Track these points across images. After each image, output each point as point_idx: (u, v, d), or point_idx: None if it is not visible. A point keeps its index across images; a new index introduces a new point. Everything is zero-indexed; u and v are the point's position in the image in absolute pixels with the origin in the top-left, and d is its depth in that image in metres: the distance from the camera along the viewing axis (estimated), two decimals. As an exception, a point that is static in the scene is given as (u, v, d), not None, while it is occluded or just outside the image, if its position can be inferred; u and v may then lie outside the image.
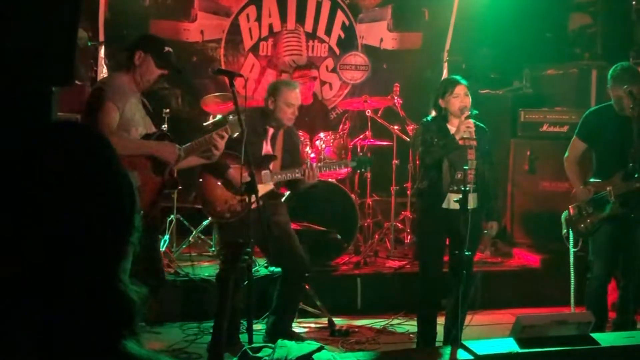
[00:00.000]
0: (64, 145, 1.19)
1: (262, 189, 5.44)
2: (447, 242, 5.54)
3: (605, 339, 4.49)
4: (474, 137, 5.34)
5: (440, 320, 5.62)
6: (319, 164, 5.96)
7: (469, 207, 5.13)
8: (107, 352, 1.16)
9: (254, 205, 4.99)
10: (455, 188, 5.31)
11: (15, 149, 1.18)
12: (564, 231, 5.91)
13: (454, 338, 5.25)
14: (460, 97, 5.40)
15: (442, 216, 5.39)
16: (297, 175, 5.67)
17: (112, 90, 4.70)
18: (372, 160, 6.62)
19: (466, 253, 5.06)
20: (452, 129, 5.41)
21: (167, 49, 4.94)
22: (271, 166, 5.68)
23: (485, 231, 5.46)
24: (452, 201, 5.26)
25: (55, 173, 1.15)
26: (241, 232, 4.97)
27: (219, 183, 5.58)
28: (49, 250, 1.13)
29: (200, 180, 5.61)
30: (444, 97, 5.46)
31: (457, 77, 5.56)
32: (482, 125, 5.54)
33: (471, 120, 5.33)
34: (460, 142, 5.31)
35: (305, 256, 5.77)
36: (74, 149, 1.20)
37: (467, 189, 5.05)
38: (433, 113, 5.59)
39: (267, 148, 5.74)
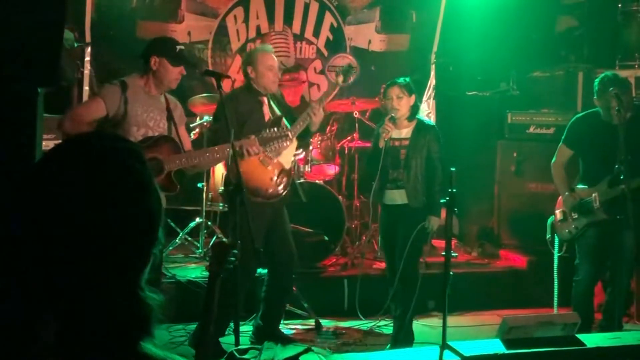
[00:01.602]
0: (105, 162, 1.23)
1: (290, 148, 5.62)
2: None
3: (591, 339, 4.52)
4: (407, 136, 5.66)
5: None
6: (320, 97, 5.97)
7: (396, 204, 5.62)
8: (126, 352, 1.22)
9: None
10: (389, 186, 5.68)
11: (50, 161, 1.23)
12: (549, 236, 5.95)
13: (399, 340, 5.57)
14: (392, 100, 5.66)
15: (385, 212, 5.82)
16: (307, 120, 5.64)
17: (105, 90, 4.89)
18: (352, 66, 6.58)
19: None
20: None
21: (179, 47, 5.04)
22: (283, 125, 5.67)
23: (425, 225, 5.51)
24: (389, 197, 5.69)
25: (94, 187, 1.20)
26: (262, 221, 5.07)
27: (252, 165, 5.46)
28: (79, 256, 1.18)
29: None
30: (383, 101, 5.88)
31: (395, 79, 5.76)
32: (428, 123, 5.89)
33: (389, 123, 5.59)
34: (394, 144, 5.66)
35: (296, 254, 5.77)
36: (114, 166, 1.24)
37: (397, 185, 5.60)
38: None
39: (267, 114, 5.70)
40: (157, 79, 4.94)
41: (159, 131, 4.96)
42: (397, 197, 5.66)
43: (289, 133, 5.35)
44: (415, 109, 5.72)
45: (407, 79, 5.72)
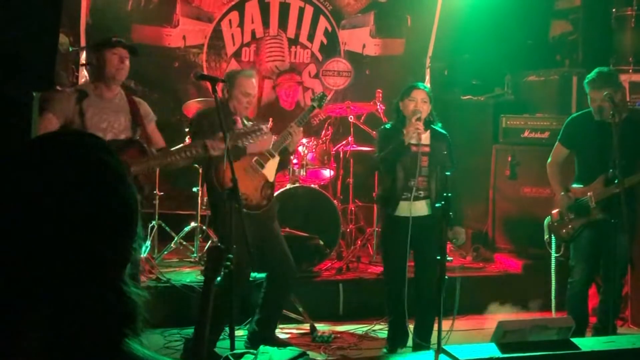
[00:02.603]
0: (76, 155, 1.24)
1: (273, 162, 5.63)
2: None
3: (586, 343, 4.52)
4: (427, 143, 5.42)
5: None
6: (299, 118, 5.91)
7: (418, 215, 5.31)
8: (111, 351, 1.21)
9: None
10: (407, 195, 5.37)
11: (22, 157, 1.22)
12: (546, 237, 5.95)
13: (417, 344, 5.45)
14: (416, 102, 5.44)
15: (399, 223, 5.42)
16: (288, 138, 5.65)
17: (52, 102, 4.86)
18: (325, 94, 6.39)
19: (437, 258, 5.07)
20: (405, 135, 5.43)
21: (115, 39, 5.08)
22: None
23: (454, 239, 5.47)
24: (404, 209, 5.36)
25: (68, 181, 1.19)
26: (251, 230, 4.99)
27: (240, 175, 5.47)
28: (58, 253, 1.17)
29: (220, 178, 5.60)
30: (403, 100, 5.52)
31: (419, 83, 5.63)
32: (442, 132, 5.60)
33: (420, 122, 5.34)
34: (414, 149, 5.38)
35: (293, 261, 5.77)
36: (85, 158, 1.24)
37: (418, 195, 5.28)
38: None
39: None
40: (102, 75, 4.97)
41: (114, 132, 4.98)
42: (418, 208, 5.40)
43: (263, 127, 5.31)
44: (432, 118, 5.58)
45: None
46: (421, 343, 5.43)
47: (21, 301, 1.16)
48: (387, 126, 5.69)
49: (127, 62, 5.03)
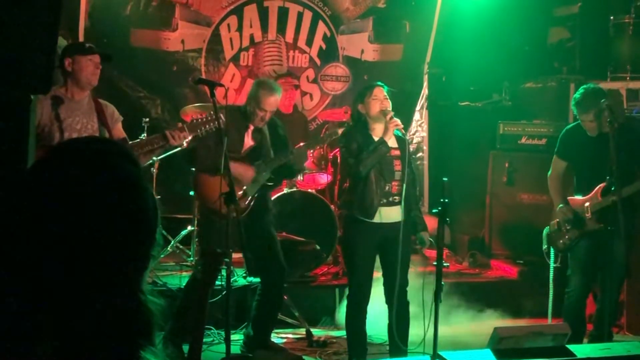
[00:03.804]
0: (96, 162, 1.24)
1: (259, 176, 5.56)
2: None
3: (581, 350, 4.53)
4: (395, 146, 5.22)
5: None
6: (308, 143, 5.90)
7: (392, 221, 5.14)
8: None
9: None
10: (385, 201, 5.17)
11: (44, 164, 1.23)
12: (545, 247, 5.96)
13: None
14: (380, 99, 5.20)
15: (372, 230, 5.18)
16: (287, 158, 5.66)
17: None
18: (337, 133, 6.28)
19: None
20: (375, 136, 5.22)
21: (88, 44, 5.14)
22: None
23: (418, 245, 5.40)
24: (383, 215, 5.16)
25: (88, 187, 1.19)
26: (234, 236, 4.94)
27: (218, 184, 5.46)
28: (78, 259, 1.17)
29: (199, 186, 5.60)
30: (363, 101, 5.25)
31: (378, 82, 5.39)
32: (402, 135, 5.34)
33: (397, 119, 5.14)
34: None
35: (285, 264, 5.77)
36: (105, 165, 1.24)
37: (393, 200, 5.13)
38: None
39: (248, 142, 5.72)
40: (75, 80, 4.99)
41: (88, 132, 5.02)
42: (392, 214, 5.19)
43: (220, 121, 5.15)
44: None
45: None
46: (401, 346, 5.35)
47: (38, 308, 1.16)
48: (348, 129, 5.47)
49: (100, 67, 5.08)
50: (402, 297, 5.29)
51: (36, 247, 1.16)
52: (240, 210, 5.40)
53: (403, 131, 5.26)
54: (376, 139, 5.18)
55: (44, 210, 1.17)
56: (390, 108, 5.22)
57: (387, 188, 5.17)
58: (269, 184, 5.81)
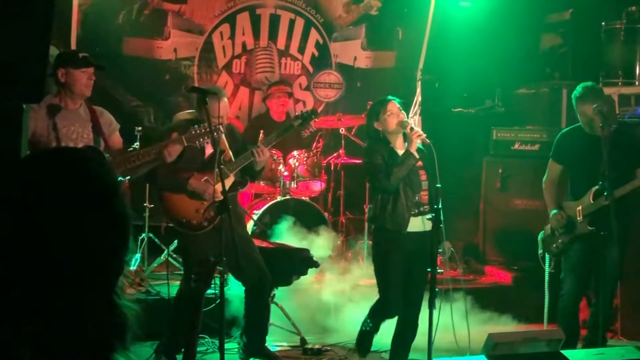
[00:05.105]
0: (70, 168, 1.26)
1: (226, 183, 5.42)
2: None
3: (576, 355, 4.52)
4: (418, 157, 5.18)
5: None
6: (268, 138, 5.85)
7: (425, 230, 5.14)
8: None
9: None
10: (415, 211, 5.19)
11: (19, 173, 1.24)
12: (540, 251, 5.97)
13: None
14: (395, 113, 5.21)
15: (404, 241, 5.21)
16: (249, 158, 5.55)
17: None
18: (316, 111, 6.34)
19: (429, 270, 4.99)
20: (398, 150, 5.24)
21: (82, 54, 5.13)
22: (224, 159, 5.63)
23: (440, 250, 5.39)
24: (413, 224, 5.17)
25: (61, 193, 1.21)
26: (212, 244, 4.90)
27: (183, 196, 5.45)
28: (51, 263, 1.18)
29: (163, 201, 5.53)
30: (379, 119, 5.25)
31: (388, 96, 5.39)
32: (422, 145, 5.32)
33: (417, 130, 5.19)
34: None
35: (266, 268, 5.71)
36: (80, 171, 1.26)
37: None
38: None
39: (209, 150, 5.65)
40: (68, 90, 5.01)
41: (84, 141, 5.02)
42: (421, 223, 5.19)
43: (220, 127, 5.15)
44: None
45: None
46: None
47: (14, 312, 1.17)
48: (370, 145, 5.43)
49: (94, 78, 5.08)
50: (413, 317, 5.32)
51: (9, 250, 1.17)
52: (212, 218, 5.40)
53: (427, 140, 5.18)
54: (399, 151, 5.22)
55: (22, 216, 1.18)
56: (407, 119, 5.27)
57: (416, 199, 5.21)
58: (238, 187, 5.75)
